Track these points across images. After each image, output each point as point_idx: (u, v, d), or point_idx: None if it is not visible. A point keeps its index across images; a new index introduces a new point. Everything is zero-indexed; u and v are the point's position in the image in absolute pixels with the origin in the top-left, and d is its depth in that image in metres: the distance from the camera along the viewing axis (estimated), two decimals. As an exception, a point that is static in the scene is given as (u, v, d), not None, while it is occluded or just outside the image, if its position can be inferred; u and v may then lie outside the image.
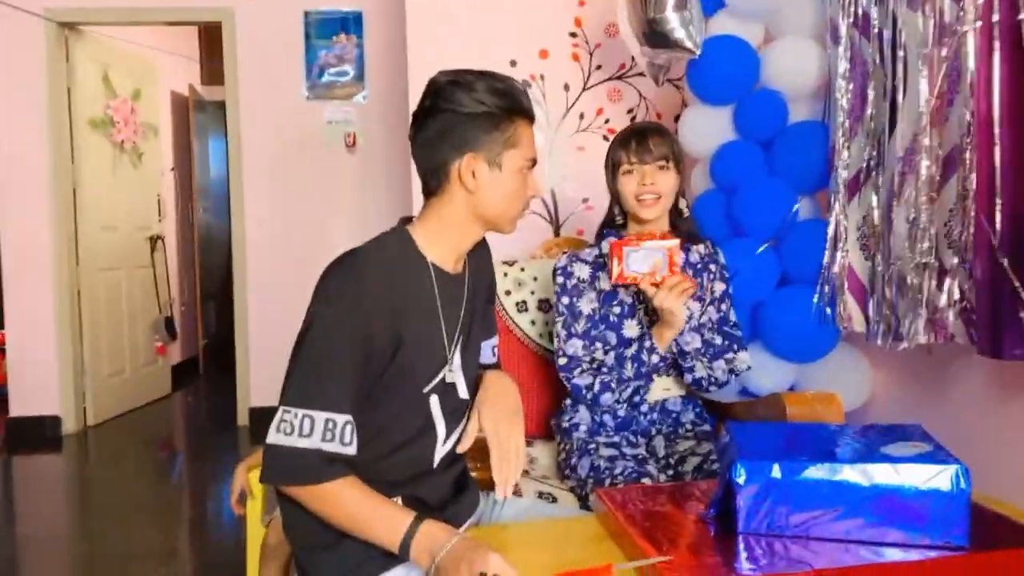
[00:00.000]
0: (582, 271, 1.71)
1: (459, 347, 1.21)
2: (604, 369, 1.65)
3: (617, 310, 1.68)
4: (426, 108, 1.15)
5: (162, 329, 4.77)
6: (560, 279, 1.71)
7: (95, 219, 4.16)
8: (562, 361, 1.67)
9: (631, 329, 1.67)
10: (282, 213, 4.03)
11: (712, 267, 1.74)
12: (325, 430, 1.04)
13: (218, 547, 2.72)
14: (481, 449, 1.44)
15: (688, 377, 1.68)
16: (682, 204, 1.71)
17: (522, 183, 1.18)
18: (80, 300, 4.08)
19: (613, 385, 1.63)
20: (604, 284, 1.70)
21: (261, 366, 4.05)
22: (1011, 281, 1.52)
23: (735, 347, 1.70)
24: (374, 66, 3.94)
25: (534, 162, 1.19)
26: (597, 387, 1.64)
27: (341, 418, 1.05)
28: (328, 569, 1.11)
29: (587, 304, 1.69)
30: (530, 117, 1.18)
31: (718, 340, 1.70)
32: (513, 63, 2.90)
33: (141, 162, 4.61)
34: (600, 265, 1.71)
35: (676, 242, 1.54)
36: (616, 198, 1.70)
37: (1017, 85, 1.47)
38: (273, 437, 1.05)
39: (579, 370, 1.66)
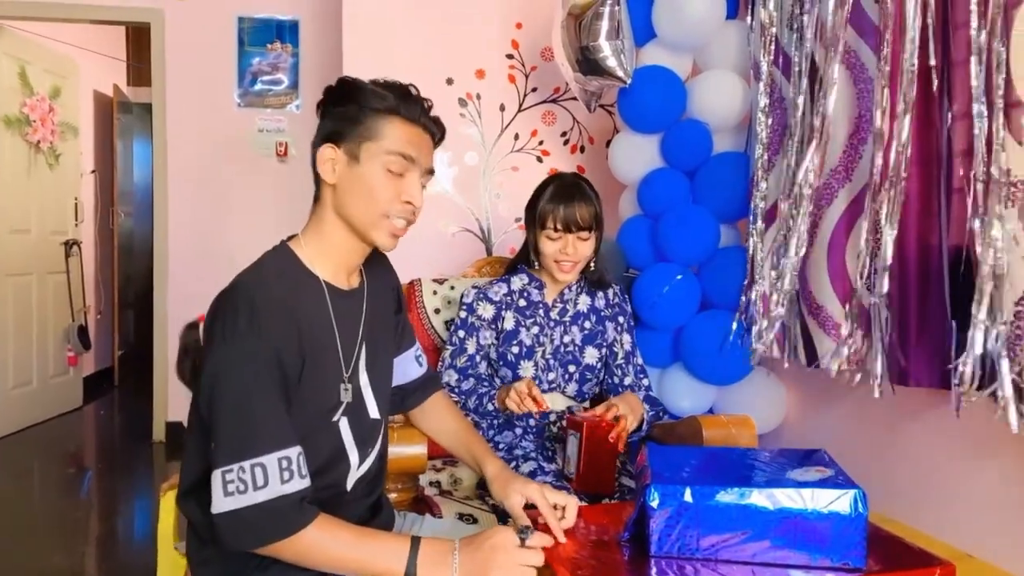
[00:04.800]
0: (486, 310, 1.78)
1: (363, 365, 1.17)
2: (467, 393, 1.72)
3: (516, 350, 1.75)
4: (318, 111, 1.16)
5: (75, 338, 4.55)
6: (463, 313, 1.79)
7: (5, 221, 3.95)
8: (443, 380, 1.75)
9: (526, 370, 1.74)
10: (207, 221, 3.91)
11: (620, 319, 1.84)
12: (281, 471, 0.96)
13: (127, 568, 2.60)
14: (401, 473, 1.44)
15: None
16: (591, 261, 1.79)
17: (386, 183, 1.10)
18: (-15, 306, 3.87)
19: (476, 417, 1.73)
20: (508, 324, 1.76)
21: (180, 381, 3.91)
22: (917, 313, 1.61)
23: (661, 412, 1.79)
24: (309, 76, 3.89)
25: (408, 159, 1.11)
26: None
27: (294, 451, 0.99)
28: None
29: (474, 344, 1.77)
30: (406, 117, 1.11)
31: (649, 411, 1.73)
32: (450, 81, 2.91)
33: (58, 163, 4.42)
34: (507, 303, 1.78)
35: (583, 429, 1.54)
36: (535, 248, 1.75)
37: (923, 132, 1.57)
38: (222, 504, 0.95)
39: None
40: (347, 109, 1.11)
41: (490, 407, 1.67)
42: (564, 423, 1.67)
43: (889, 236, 1.58)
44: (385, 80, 1.14)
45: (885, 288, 1.61)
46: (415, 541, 1.00)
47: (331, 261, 1.15)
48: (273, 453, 0.97)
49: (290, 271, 1.11)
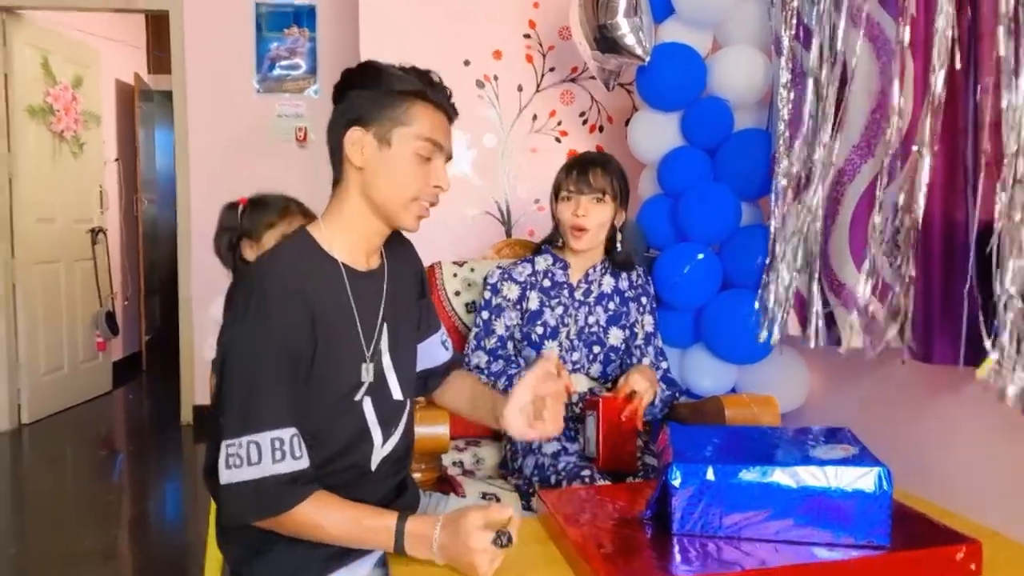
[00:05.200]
0: (511, 290, 1.79)
1: (384, 346, 1.18)
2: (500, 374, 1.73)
3: (540, 330, 1.76)
4: (335, 93, 1.16)
5: (103, 324, 4.63)
6: (487, 294, 1.80)
7: (31, 210, 4.02)
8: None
9: (551, 350, 1.74)
10: (230, 207, 3.94)
11: (643, 299, 1.84)
12: (273, 451, 1.00)
13: (160, 548, 2.66)
14: (424, 453, 1.45)
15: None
16: (618, 237, 1.80)
17: (416, 167, 1.13)
18: (15, 294, 3.94)
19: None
20: (533, 304, 1.77)
21: (206, 363, 3.94)
22: (941, 289, 1.59)
23: (677, 394, 1.82)
24: (327, 60, 3.89)
25: (437, 145, 1.14)
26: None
27: (287, 432, 1.02)
28: None
29: (502, 325, 1.79)
30: (433, 102, 1.14)
31: (664, 391, 1.75)
32: (467, 63, 2.90)
33: (82, 152, 4.47)
34: (531, 284, 1.79)
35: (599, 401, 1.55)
36: (556, 222, 1.80)
37: (948, 106, 1.53)
38: (224, 476, 1.00)
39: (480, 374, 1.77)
40: (373, 93, 1.12)
41: None
42: (583, 404, 1.67)
43: (916, 212, 1.55)
44: (403, 66, 1.15)
45: (909, 264, 1.59)
46: (402, 516, 1.03)
47: (350, 242, 1.16)
48: (267, 432, 1.00)
49: (307, 254, 1.12)
